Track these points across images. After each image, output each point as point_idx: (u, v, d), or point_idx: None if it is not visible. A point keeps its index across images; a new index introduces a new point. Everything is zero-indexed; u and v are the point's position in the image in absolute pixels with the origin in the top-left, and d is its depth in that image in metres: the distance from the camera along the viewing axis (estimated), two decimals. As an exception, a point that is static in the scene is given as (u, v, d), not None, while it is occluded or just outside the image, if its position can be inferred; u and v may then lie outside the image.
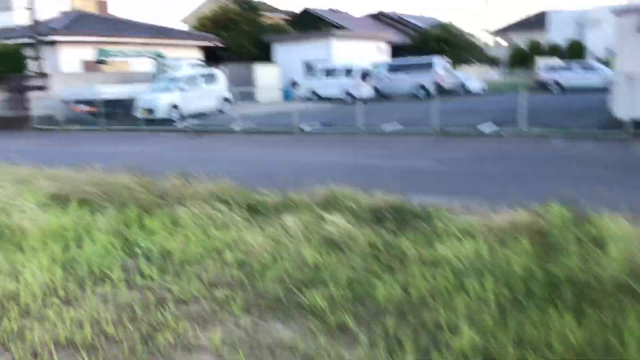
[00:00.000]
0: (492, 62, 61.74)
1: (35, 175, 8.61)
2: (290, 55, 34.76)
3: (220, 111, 24.03)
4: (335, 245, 5.27)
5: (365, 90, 29.62)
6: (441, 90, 30.38)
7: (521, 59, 61.31)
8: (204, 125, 19.95)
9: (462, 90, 33.02)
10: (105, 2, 36.29)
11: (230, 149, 13.99)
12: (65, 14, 30.70)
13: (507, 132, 14.40)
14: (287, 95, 33.03)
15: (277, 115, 22.50)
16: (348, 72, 29.56)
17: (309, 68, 32.26)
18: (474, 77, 39.17)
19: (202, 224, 6.09)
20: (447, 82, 30.50)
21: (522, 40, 70.00)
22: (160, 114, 21.61)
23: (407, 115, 19.36)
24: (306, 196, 6.99)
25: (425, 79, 29.13)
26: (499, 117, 16.11)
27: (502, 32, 71.06)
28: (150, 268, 4.90)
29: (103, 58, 24.43)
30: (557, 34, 60.75)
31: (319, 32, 36.09)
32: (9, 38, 26.73)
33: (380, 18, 51.53)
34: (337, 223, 5.74)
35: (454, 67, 35.63)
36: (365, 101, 29.56)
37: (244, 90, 25.24)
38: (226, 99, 24.22)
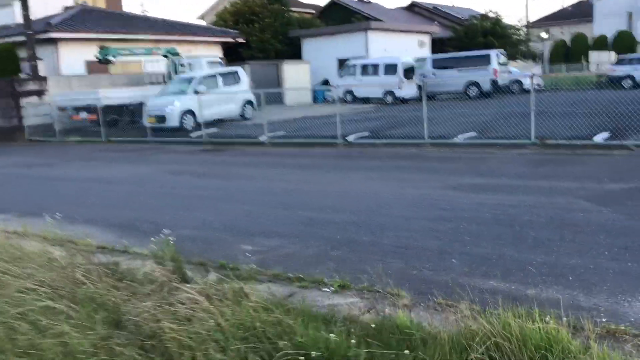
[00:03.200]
0: (534, 56, 57.33)
1: None
2: (322, 52, 30.95)
3: (243, 117, 20.33)
4: None
5: (409, 89, 25.71)
6: (495, 88, 26.38)
7: (564, 53, 56.94)
8: (224, 136, 16.25)
9: (518, 88, 28.91)
10: (117, -3, 32.89)
11: (257, 173, 10.19)
12: (68, 9, 27.34)
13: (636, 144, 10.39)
14: (318, 97, 29.28)
15: (310, 121, 18.72)
16: (389, 68, 25.62)
17: (343, 65, 28.36)
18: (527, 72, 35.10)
19: None
20: (504, 79, 26.43)
21: (560, 32, 65.31)
22: (172, 121, 17.96)
23: (474, 120, 15.40)
24: (444, 334, 3.15)
25: (480, 75, 25.05)
26: (598, 121, 12.11)
27: (539, 24, 66.53)
28: None
29: (106, 57, 20.90)
30: (603, 26, 56.33)
31: (353, 24, 32.20)
32: (3, 37, 23.45)
33: (415, 10, 47.46)
34: None
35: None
36: (407, 101, 25.85)
37: (269, 91, 21.55)
38: (249, 103, 20.49)
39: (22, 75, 21.56)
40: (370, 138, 13.70)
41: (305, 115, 21.15)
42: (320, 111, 22.60)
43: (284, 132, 15.88)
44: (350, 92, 26.52)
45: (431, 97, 25.19)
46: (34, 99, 21.07)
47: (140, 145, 16.48)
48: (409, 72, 25.85)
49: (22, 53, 21.93)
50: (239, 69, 20.89)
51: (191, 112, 18.11)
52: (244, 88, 20.33)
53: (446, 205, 6.67)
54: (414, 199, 7.15)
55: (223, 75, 20.16)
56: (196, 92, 17.97)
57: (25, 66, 21.92)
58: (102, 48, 20.85)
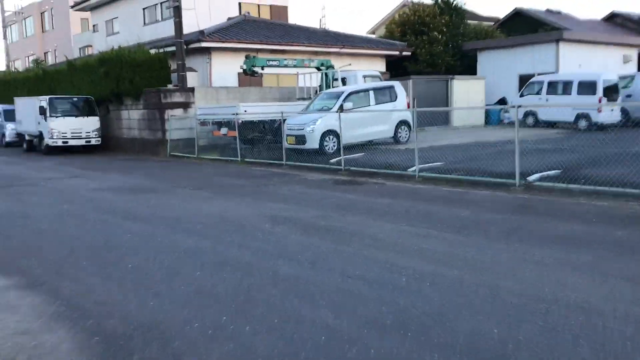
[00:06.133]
0: None
1: None
2: (500, 67, 26.64)
3: (396, 139, 17.12)
4: None
5: (610, 113, 20.55)
6: None
7: None
8: (366, 164, 13.18)
9: None
10: (284, 8, 31.65)
11: (386, 230, 6.87)
12: (230, 20, 26.48)
13: None
14: (492, 118, 25.09)
15: (479, 149, 14.96)
16: (586, 87, 20.70)
17: (525, 82, 23.91)
18: None
19: None
20: None
21: None
22: (312, 143, 15.37)
23: None
24: None
25: None
26: None
27: None
28: None
29: (252, 67, 19.07)
30: None
31: (541, 35, 27.41)
32: (160, 47, 22.94)
33: (616, 21, 40.43)
34: None
35: None
36: (606, 128, 20.63)
37: (433, 110, 18.07)
38: (405, 123, 17.20)
39: (169, 86, 20.62)
40: (562, 180, 9.67)
41: (474, 140, 17.36)
42: (493, 136, 18.62)
43: (442, 162, 12.39)
44: (532, 113, 22.03)
45: (638, 123, 19.89)
46: (179, 111, 19.95)
47: (271, 170, 14.06)
48: (611, 91, 20.69)
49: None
50: (395, 84, 17.71)
51: (335, 133, 15.37)
52: (400, 106, 17.13)
53: None
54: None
55: (376, 90, 17.16)
56: (342, 110, 15.19)
57: (175, 77, 21.02)
58: (247, 58, 19.06)
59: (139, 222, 7.91)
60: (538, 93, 22.28)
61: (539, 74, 23.74)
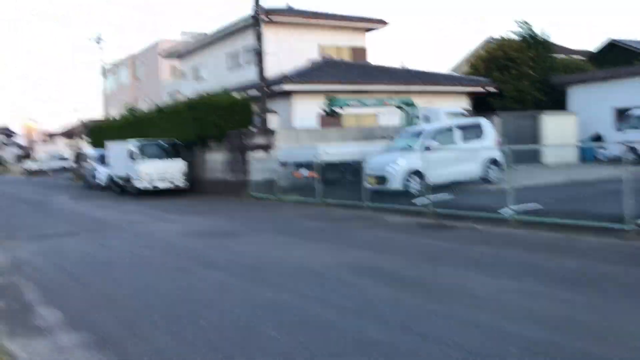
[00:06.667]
0: None
1: None
2: (593, 101, 25.05)
3: (485, 179, 16.16)
4: None
5: None
6: None
7: None
8: (454, 205, 12.35)
9: None
10: (363, 50, 31.56)
11: (483, 288, 6.11)
12: (312, 63, 26.63)
13: None
14: (586, 155, 23.49)
15: (577, 189, 13.80)
16: (696, 119, 18.94)
17: (624, 116, 22.27)
18: None
19: None
20: None
21: None
22: (394, 183, 14.76)
23: None
24: None
25: None
26: None
27: None
28: None
29: (333, 108, 18.85)
30: None
31: (638, 67, 25.63)
32: (242, 90, 23.32)
33: None
34: None
35: None
36: None
37: (522, 148, 17.01)
38: (494, 162, 16.24)
39: (251, 129, 20.76)
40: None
41: (570, 179, 16.10)
42: (590, 174, 17.23)
43: (537, 204, 11.38)
44: (632, 149, 20.32)
45: None
46: (261, 153, 19.96)
47: (352, 212, 13.53)
48: None
49: (256, 106, 21.27)
50: (482, 121, 16.88)
51: (418, 173, 14.67)
52: (488, 143, 16.23)
53: None
54: None
55: (462, 128, 16.35)
56: (426, 149, 14.54)
57: (257, 119, 21.17)
58: (329, 99, 18.88)
59: (217, 271, 7.58)
60: (636, 127, 20.63)
61: (637, 108, 22.05)
